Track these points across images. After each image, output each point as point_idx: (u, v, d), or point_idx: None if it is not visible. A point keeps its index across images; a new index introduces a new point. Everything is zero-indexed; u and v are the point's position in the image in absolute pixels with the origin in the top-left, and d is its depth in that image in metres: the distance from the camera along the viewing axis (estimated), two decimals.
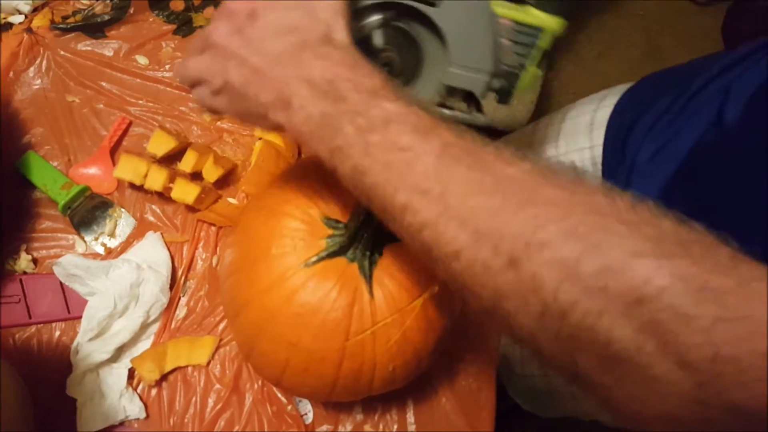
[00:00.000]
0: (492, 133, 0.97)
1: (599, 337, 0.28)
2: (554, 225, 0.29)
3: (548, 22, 0.51)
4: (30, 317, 0.64)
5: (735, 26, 1.91)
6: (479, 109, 0.54)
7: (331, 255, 0.51)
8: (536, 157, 0.34)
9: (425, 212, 0.33)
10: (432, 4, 0.45)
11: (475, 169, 0.32)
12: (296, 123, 0.37)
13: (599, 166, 0.74)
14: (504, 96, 0.52)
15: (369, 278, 0.51)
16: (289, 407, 0.65)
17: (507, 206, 0.31)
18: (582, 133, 0.78)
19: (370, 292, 0.50)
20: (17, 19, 0.73)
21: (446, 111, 0.52)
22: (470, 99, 0.52)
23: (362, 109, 0.35)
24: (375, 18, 0.46)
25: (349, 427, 0.66)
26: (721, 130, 0.57)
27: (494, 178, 0.32)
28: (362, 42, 0.46)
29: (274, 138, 0.72)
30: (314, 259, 0.50)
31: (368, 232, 0.50)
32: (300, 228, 0.52)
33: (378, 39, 0.47)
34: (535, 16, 0.51)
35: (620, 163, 0.69)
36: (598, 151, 0.74)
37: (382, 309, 0.50)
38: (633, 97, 0.74)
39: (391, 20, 0.47)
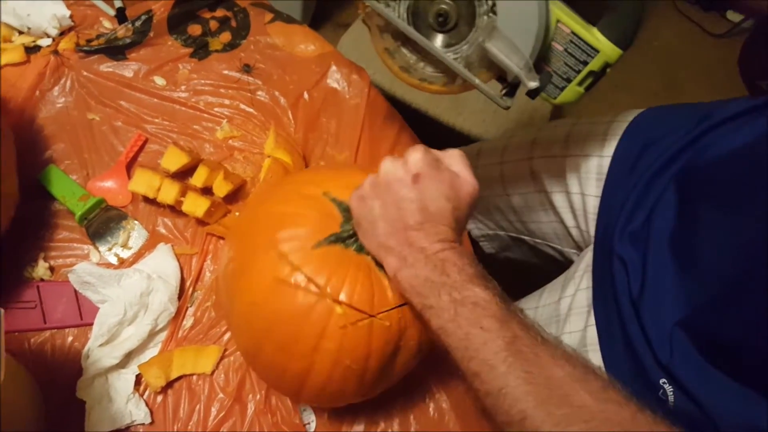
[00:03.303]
0: None
1: None
2: (579, 426, 0.40)
3: (606, 47, 0.54)
4: (45, 322, 0.67)
5: (751, 58, 1.91)
6: (510, 94, 0.57)
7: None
8: (581, 359, 0.44)
9: (491, 384, 0.43)
10: None
11: (532, 364, 0.43)
12: (402, 274, 0.49)
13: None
14: (533, 92, 0.56)
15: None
16: (293, 416, 0.67)
17: (550, 400, 0.41)
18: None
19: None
20: (45, 42, 0.78)
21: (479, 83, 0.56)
22: (503, 81, 0.57)
23: (459, 287, 0.46)
24: None
25: None
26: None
27: (545, 376, 0.42)
28: None
29: (282, 156, 0.75)
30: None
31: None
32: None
33: None
34: (596, 37, 0.54)
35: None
36: (606, 162, 0.77)
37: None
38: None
39: None
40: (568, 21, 0.53)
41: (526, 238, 0.94)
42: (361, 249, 0.54)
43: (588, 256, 0.77)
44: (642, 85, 1.91)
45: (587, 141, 0.80)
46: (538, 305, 0.82)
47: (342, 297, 0.51)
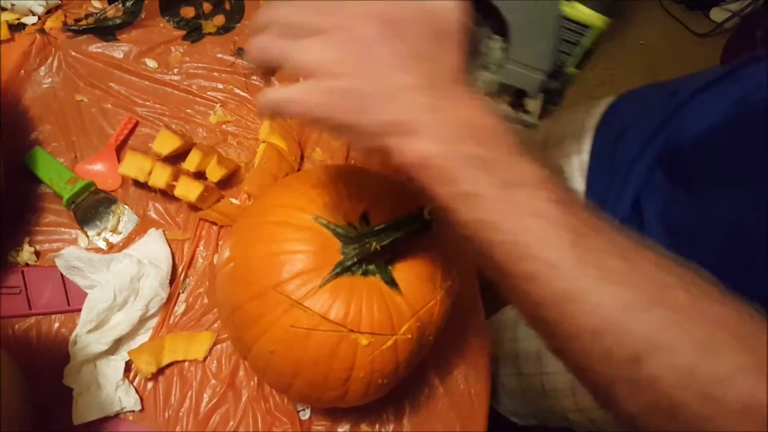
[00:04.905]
0: None
1: None
2: (677, 331, 0.31)
3: (594, 18, 0.51)
4: (30, 308, 0.65)
5: (734, 57, 1.94)
6: (526, 109, 0.53)
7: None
8: (661, 249, 0.34)
9: (552, 287, 0.33)
10: None
11: (611, 255, 0.33)
12: (416, 153, 0.34)
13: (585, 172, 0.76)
14: (555, 96, 0.52)
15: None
16: (287, 403, 0.65)
17: (638, 302, 0.32)
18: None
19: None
20: (30, 20, 0.75)
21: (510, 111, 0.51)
22: (518, 98, 0.52)
23: (507, 162, 0.34)
24: None
25: (345, 426, 0.66)
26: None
27: (629, 267, 0.32)
28: None
29: (277, 141, 0.74)
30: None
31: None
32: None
33: None
34: (582, 11, 0.50)
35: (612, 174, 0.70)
36: (586, 157, 0.76)
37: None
38: (617, 111, 0.76)
39: None
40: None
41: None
42: (367, 273, 0.53)
43: None
44: (626, 81, 1.93)
45: (564, 141, 0.79)
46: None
47: (363, 326, 0.51)
